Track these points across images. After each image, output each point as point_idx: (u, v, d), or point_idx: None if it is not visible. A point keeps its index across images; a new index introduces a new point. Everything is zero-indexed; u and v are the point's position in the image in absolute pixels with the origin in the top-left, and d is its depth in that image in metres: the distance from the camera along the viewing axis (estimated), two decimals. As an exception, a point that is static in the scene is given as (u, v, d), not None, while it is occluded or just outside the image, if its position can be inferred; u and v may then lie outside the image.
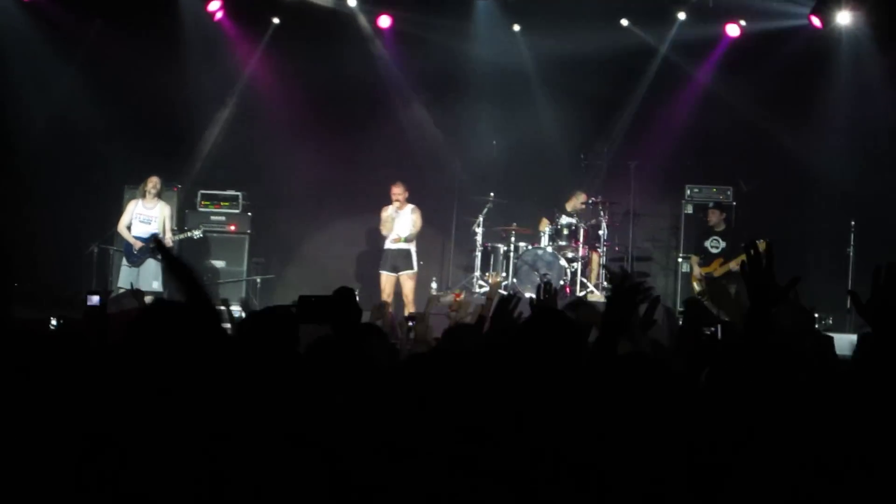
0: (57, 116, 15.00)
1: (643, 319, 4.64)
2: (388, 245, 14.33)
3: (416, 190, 14.56)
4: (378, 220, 14.41)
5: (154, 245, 13.56)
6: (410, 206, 14.32)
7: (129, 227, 14.23)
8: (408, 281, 14.15)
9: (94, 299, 9.03)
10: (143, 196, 14.27)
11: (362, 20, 15.45)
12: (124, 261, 14.24)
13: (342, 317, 5.47)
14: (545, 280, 12.97)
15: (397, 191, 14.23)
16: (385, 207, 14.33)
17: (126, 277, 14.04)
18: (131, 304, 8.84)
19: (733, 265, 13.97)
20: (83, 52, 14.99)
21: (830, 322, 13.87)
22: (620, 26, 15.08)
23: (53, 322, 8.29)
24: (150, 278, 14.07)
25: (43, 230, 14.68)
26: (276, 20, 15.43)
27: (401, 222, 14.29)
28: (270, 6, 15.33)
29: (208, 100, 15.43)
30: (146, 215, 14.24)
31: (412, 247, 14.35)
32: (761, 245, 11.96)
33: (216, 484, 3.27)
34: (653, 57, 15.39)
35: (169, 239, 14.20)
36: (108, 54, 14.91)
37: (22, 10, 14.89)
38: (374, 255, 14.68)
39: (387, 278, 14.24)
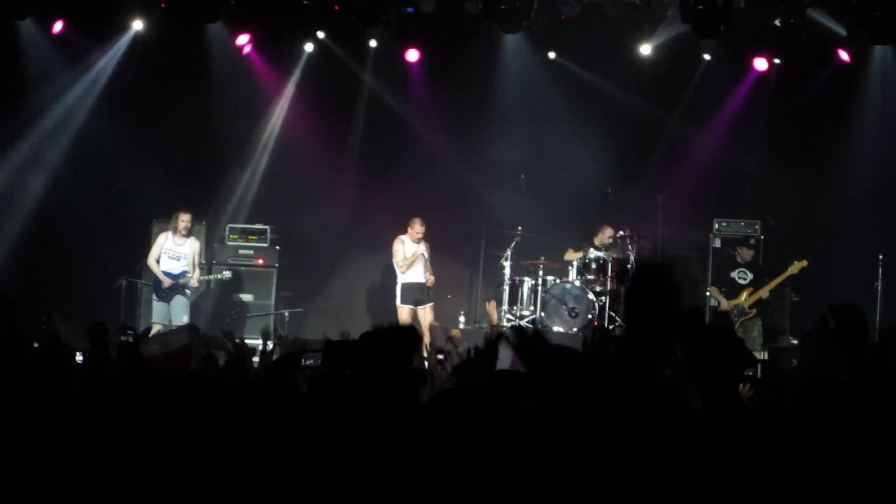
0: (84, 149, 15.06)
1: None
2: (408, 279, 14.34)
3: (443, 224, 14.61)
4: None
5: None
6: (421, 240, 14.41)
7: (157, 261, 14.27)
8: (429, 314, 14.19)
9: (129, 335, 9.13)
10: (174, 231, 14.31)
11: (390, 55, 15.47)
12: (154, 296, 14.28)
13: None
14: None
15: (422, 227, 14.31)
16: (400, 239, 14.35)
17: (159, 312, 14.15)
18: (181, 340, 8.83)
19: (764, 292, 14.01)
20: (110, 84, 15.03)
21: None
22: (648, 60, 15.08)
23: (79, 357, 8.34)
24: (180, 313, 14.13)
25: (71, 263, 14.71)
26: (309, 47, 15.41)
27: (420, 257, 14.35)
28: (300, 40, 15.36)
29: (236, 134, 15.47)
30: (176, 251, 14.26)
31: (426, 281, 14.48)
32: (802, 264, 11.96)
33: None
34: (681, 91, 15.40)
35: (196, 277, 14.23)
36: (136, 87, 15.00)
37: (50, 44, 14.97)
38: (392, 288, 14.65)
39: (409, 312, 14.27)
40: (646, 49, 14.91)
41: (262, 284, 15.20)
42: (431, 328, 12.61)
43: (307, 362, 5.20)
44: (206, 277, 14.51)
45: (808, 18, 14.19)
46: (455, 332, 12.02)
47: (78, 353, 8.43)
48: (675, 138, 15.52)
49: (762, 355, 13.75)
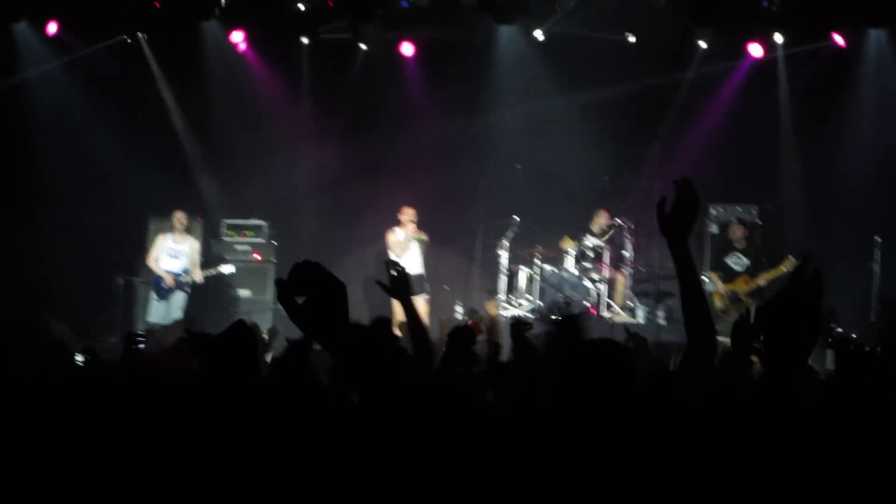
0: (79, 146, 15.11)
1: None
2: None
3: (440, 215, 14.61)
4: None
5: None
6: (413, 228, 14.38)
7: (157, 261, 14.34)
8: (424, 305, 14.16)
9: (139, 341, 9.18)
10: (172, 231, 14.36)
11: (385, 49, 15.51)
12: (153, 295, 14.31)
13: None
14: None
15: (412, 214, 14.31)
16: (392, 230, 14.36)
17: (157, 312, 14.20)
18: (176, 335, 8.85)
19: (762, 281, 13.94)
20: (105, 83, 15.10)
21: (854, 337, 13.78)
22: (645, 47, 15.07)
23: (79, 358, 8.36)
24: (178, 311, 14.18)
25: (66, 260, 14.73)
26: (305, 40, 15.44)
27: (414, 247, 14.35)
28: (295, 36, 15.40)
29: (232, 130, 15.48)
30: (176, 250, 14.34)
31: (423, 271, 14.43)
32: (791, 263, 11.87)
33: None
34: (678, 77, 15.38)
35: (199, 275, 14.28)
36: (131, 85, 15.07)
37: (45, 44, 15.08)
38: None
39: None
40: (632, 38, 14.96)
41: (259, 280, 15.22)
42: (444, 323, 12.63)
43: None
44: (210, 272, 14.53)
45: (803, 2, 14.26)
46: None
47: (78, 355, 8.48)
48: (671, 125, 15.46)
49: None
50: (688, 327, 3.65)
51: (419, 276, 14.40)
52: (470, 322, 13.12)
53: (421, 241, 14.43)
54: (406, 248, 14.34)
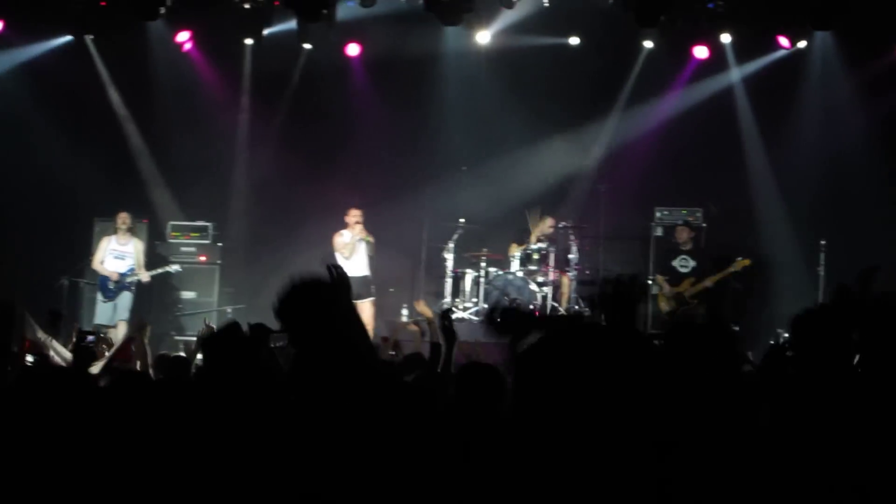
0: (24, 146, 15.02)
1: None
2: (350, 272, 14.23)
3: (385, 217, 14.57)
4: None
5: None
6: (360, 229, 14.34)
7: (102, 263, 14.30)
8: (370, 307, 14.12)
9: (90, 339, 9.16)
10: (116, 232, 14.34)
11: (330, 49, 15.44)
12: (99, 296, 14.26)
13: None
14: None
15: (358, 215, 14.26)
16: (339, 233, 14.32)
17: (104, 313, 14.16)
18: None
19: (708, 283, 13.94)
20: (50, 83, 14.99)
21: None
22: (588, 49, 15.06)
23: (30, 358, 8.33)
24: (125, 312, 14.16)
25: (10, 261, 14.63)
26: (248, 41, 15.39)
27: (361, 249, 14.32)
28: (241, 37, 15.33)
29: (178, 130, 15.38)
30: (120, 251, 14.30)
31: (369, 273, 14.42)
32: (744, 262, 11.90)
33: None
34: (623, 78, 15.38)
35: (145, 275, 14.24)
36: (77, 86, 14.99)
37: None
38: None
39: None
40: (574, 40, 14.94)
41: (204, 281, 15.21)
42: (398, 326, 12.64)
43: (277, 344, 5.21)
44: (155, 271, 14.47)
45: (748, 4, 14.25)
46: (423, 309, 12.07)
47: (28, 356, 8.45)
48: (616, 127, 15.45)
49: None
50: None
51: (365, 279, 14.36)
52: (409, 325, 13.21)
53: (368, 243, 14.38)
54: (353, 249, 14.29)
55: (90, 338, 11.73)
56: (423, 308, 12.94)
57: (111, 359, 8.34)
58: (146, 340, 8.13)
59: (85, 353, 7.79)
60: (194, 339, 13.20)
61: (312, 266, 13.68)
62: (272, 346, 4.96)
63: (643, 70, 15.21)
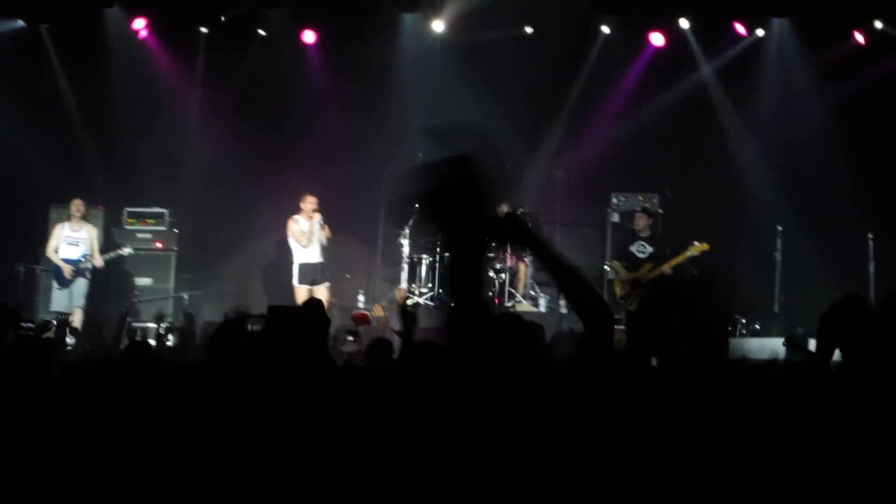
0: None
1: None
2: (305, 259, 14.28)
3: (341, 204, 14.53)
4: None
5: None
6: (319, 217, 14.31)
7: (56, 251, 14.24)
8: (325, 293, 14.07)
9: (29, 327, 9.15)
10: (70, 219, 14.30)
11: (287, 36, 15.41)
12: (54, 284, 14.22)
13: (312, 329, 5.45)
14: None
15: (315, 202, 14.23)
16: (294, 219, 14.28)
17: (60, 300, 14.12)
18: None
19: (666, 268, 13.92)
20: (4, 69, 14.92)
21: (758, 327, 13.83)
22: (546, 35, 15.06)
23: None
24: (81, 297, 14.15)
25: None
26: (203, 29, 15.36)
27: (317, 235, 14.29)
28: (196, 24, 15.29)
29: (134, 118, 15.30)
30: (73, 237, 14.26)
31: (324, 259, 14.40)
32: (702, 247, 11.86)
33: None
34: (579, 65, 15.37)
35: (99, 260, 14.21)
36: (32, 72, 14.93)
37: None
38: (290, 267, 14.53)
39: (306, 292, 14.12)
40: (529, 29, 14.95)
41: (160, 268, 15.14)
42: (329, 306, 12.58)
43: (253, 328, 5.20)
44: (108, 255, 14.43)
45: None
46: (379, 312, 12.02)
47: None
48: (573, 113, 15.45)
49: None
50: (576, 310, 3.49)
51: (321, 265, 14.34)
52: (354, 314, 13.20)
53: (323, 228, 14.34)
54: (309, 236, 14.25)
55: (53, 323, 11.77)
56: (378, 310, 12.96)
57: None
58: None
59: (20, 342, 7.69)
60: (151, 325, 13.31)
61: (269, 252, 13.72)
62: (249, 328, 4.96)
63: (600, 57, 15.22)
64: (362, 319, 12.76)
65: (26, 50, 14.99)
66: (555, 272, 3.49)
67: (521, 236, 3.53)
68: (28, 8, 14.91)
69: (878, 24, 14.55)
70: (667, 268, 13.96)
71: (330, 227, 14.34)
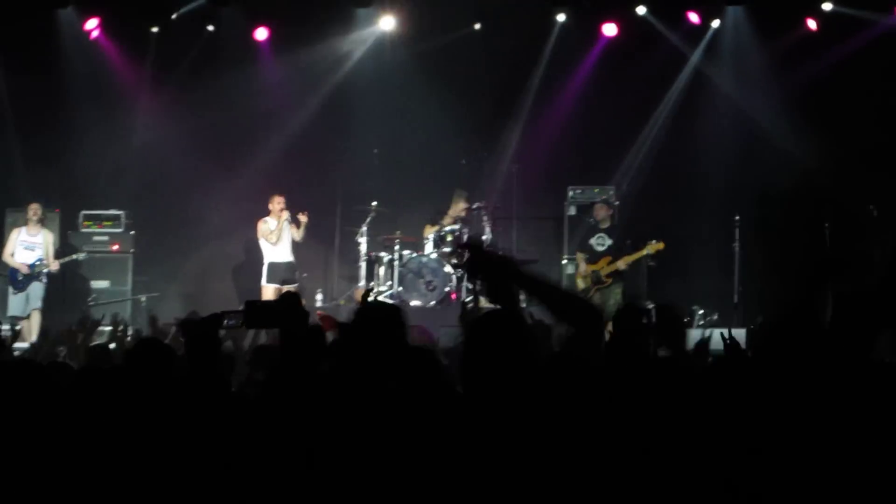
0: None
1: None
2: (275, 258, 14.26)
3: (298, 201, 14.47)
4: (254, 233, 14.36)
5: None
6: (287, 214, 14.26)
7: (13, 255, 14.22)
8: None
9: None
10: (27, 223, 14.26)
11: (240, 33, 15.32)
12: (10, 289, 14.22)
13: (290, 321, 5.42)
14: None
15: (282, 201, 14.20)
16: (263, 220, 14.25)
17: (16, 306, 14.12)
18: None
19: (621, 264, 13.86)
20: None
21: (716, 317, 13.83)
22: (499, 29, 14.98)
23: None
24: (37, 301, 14.12)
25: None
26: (154, 29, 15.29)
27: (286, 234, 14.26)
28: (149, 21, 15.20)
29: (89, 119, 15.21)
30: (30, 242, 14.26)
31: (294, 259, 14.35)
32: (658, 246, 11.77)
33: None
34: (533, 59, 15.29)
35: (54, 264, 14.18)
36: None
37: None
38: (256, 268, 14.50)
39: (275, 291, 14.09)
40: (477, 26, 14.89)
41: (117, 270, 15.06)
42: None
43: (228, 322, 5.19)
44: (63, 259, 14.39)
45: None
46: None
47: None
48: (528, 106, 15.38)
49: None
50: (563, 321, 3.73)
51: (291, 264, 14.36)
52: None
53: (293, 226, 14.32)
54: (277, 233, 14.24)
55: (5, 328, 11.70)
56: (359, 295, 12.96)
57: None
58: None
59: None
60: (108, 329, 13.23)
61: (232, 253, 13.67)
62: (224, 323, 4.95)
63: (554, 50, 15.14)
64: (329, 321, 12.70)
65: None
66: (539, 296, 3.70)
67: (511, 277, 3.68)
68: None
69: (827, 6, 14.50)
70: (622, 264, 13.89)
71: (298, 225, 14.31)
